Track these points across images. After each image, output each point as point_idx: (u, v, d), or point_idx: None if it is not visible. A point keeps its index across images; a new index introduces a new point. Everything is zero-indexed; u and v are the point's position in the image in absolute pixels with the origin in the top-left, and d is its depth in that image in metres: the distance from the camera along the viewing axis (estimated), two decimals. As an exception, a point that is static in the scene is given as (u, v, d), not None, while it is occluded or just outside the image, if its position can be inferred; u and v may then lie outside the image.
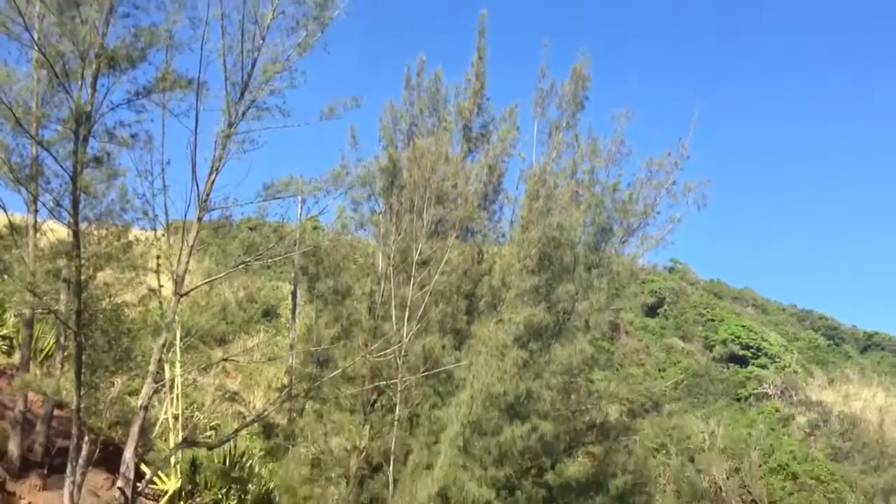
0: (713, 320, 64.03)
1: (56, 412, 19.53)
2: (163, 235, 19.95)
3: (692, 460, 44.26)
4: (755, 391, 56.24)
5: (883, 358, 73.13)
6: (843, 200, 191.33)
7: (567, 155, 28.88)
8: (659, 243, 29.36)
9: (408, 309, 23.57)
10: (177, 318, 19.56)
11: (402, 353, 22.94)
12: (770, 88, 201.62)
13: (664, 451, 43.65)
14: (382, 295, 24.32)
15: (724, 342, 61.18)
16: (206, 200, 19.10)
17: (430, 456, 21.50)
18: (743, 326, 62.61)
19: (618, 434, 30.74)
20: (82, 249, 16.51)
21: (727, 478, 43.57)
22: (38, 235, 18.20)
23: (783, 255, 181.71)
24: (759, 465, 44.62)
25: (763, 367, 59.54)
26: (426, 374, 22.97)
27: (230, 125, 18.65)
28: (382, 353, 22.46)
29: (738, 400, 56.40)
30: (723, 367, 59.73)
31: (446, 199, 25.72)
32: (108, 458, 19.88)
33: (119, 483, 18.96)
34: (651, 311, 63.40)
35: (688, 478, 42.52)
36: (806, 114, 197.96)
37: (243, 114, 18.69)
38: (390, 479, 22.64)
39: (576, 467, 28.37)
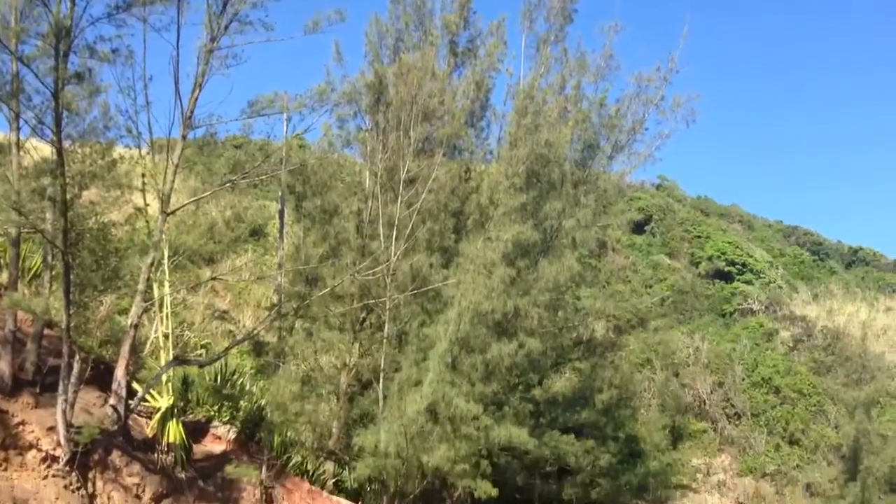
0: (699, 237, 64.24)
1: (46, 331, 19.55)
2: (147, 153, 19.78)
3: (677, 375, 44.94)
4: (740, 307, 56.82)
5: (867, 273, 73.72)
6: (830, 117, 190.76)
7: (555, 70, 28.59)
8: (647, 160, 29.35)
9: (395, 227, 23.55)
10: (164, 237, 19.53)
11: (391, 271, 23.00)
12: (760, 4, 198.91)
13: (649, 367, 44.28)
14: (370, 213, 24.28)
15: (710, 258, 61.48)
16: (190, 118, 18.89)
17: (418, 372, 21.77)
18: (729, 243, 62.87)
19: (604, 350, 31.17)
20: (66, 168, 16.38)
21: (711, 392, 44.36)
22: (21, 154, 17.96)
23: (770, 171, 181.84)
24: (743, 379, 45.42)
25: (748, 282, 60.00)
26: (414, 292, 23.08)
27: (212, 39, 18.33)
28: (371, 271, 22.52)
29: (723, 315, 57.02)
30: (708, 284, 60.15)
31: (433, 116, 25.47)
32: (99, 377, 20.01)
33: (111, 401, 19.18)
34: (638, 228, 63.44)
35: (672, 392, 43.26)
36: (795, 31, 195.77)
37: (225, 28, 18.36)
38: (380, 396, 22.94)
39: (562, 383, 28.82)
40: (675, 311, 53.16)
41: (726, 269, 60.78)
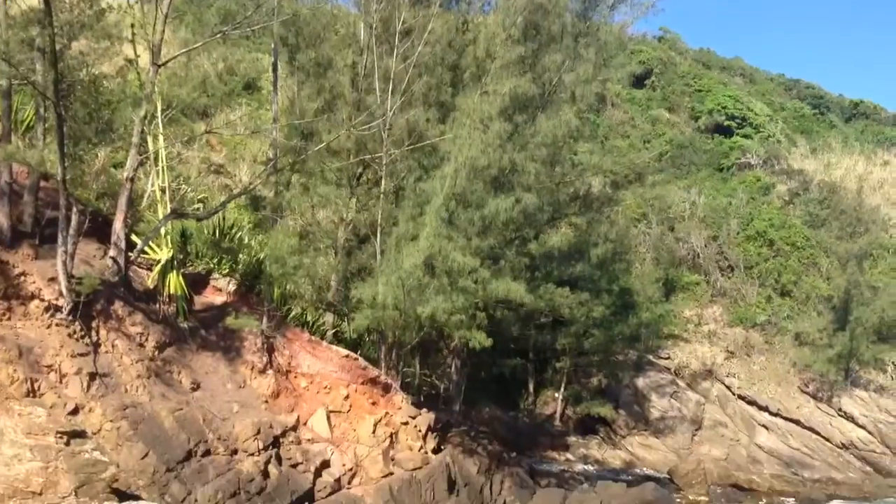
0: (700, 91, 63.21)
1: (42, 184, 19.58)
2: (136, 3, 19.31)
3: (672, 229, 45.25)
4: (738, 161, 56.52)
5: (866, 127, 72.93)
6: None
7: None
8: (649, 10, 28.63)
9: (391, 81, 23.21)
10: (156, 89, 19.29)
11: (387, 126, 22.82)
12: None
13: (645, 221, 44.55)
14: (365, 67, 23.88)
15: (710, 113, 60.71)
16: (178, -35, 18.32)
17: (415, 227, 21.93)
18: (729, 97, 61.94)
19: (600, 205, 31.28)
20: (54, 17, 16.04)
21: (705, 245, 44.78)
22: (7, 3, 17.52)
23: (774, 23, 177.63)
24: (738, 233, 45.77)
25: (747, 137, 59.47)
26: (411, 147, 22.98)
27: None
28: (366, 126, 22.35)
29: (721, 170, 56.83)
30: (707, 138, 59.64)
31: (429, -38, 24.67)
32: (98, 229, 20.18)
33: (111, 252, 19.44)
34: (638, 82, 62.31)
35: (667, 245, 43.70)
36: None
37: None
38: (377, 250, 23.20)
39: (558, 238, 29.08)
40: (672, 165, 52.95)
41: (726, 123, 60.18)
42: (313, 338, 22.26)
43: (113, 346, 18.47)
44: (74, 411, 16.92)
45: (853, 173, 55.20)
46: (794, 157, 58.09)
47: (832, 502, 31.80)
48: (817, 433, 37.86)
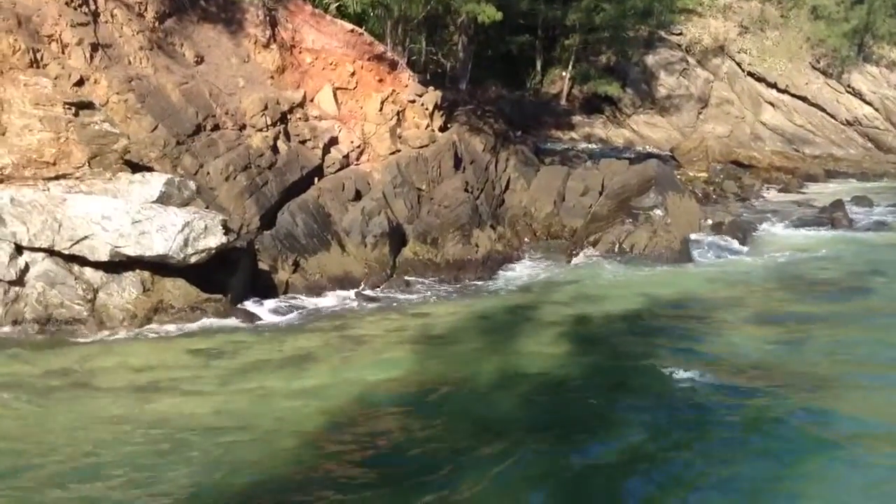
0: None
1: None
2: None
3: None
4: None
5: None
6: None
7: None
8: None
9: None
10: None
11: None
12: None
13: None
14: None
15: None
16: None
17: None
18: None
19: None
20: None
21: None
22: None
23: None
24: None
25: None
26: None
27: None
28: None
29: None
30: None
31: None
32: None
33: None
34: None
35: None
36: None
37: None
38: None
39: None
40: None
41: None
42: (317, 11, 21.54)
43: (112, 15, 17.92)
44: (80, 83, 16.72)
45: None
46: None
47: (830, 181, 32.40)
48: (823, 110, 37.98)
